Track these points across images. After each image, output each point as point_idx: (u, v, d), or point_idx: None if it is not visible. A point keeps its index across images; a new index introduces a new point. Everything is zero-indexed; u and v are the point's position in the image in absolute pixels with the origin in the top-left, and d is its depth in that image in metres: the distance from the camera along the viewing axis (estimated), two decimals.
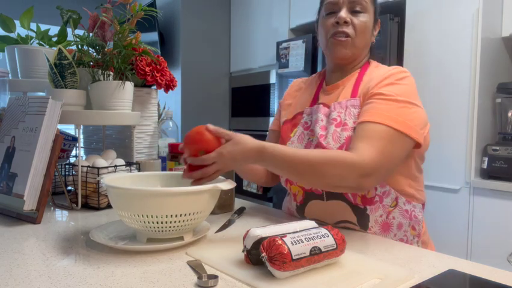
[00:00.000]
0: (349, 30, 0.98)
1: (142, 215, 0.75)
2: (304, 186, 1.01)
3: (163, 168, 1.41)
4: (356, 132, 0.90)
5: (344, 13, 0.98)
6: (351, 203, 0.95)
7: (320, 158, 0.83)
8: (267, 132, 1.25)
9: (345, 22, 0.98)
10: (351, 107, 0.95)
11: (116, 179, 0.88)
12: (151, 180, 0.95)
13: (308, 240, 0.65)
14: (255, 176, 1.14)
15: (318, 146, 0.96)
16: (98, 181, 1.11)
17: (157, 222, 0.76)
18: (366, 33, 1.00)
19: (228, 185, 0.82)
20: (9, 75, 1.38)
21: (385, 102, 0.89)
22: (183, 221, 0.77)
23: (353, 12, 0.99)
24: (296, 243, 0.63)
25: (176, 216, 0.76)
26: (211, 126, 0.84)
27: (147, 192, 0.75)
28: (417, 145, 0.91)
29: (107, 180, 0.83)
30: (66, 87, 1.14)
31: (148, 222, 0.76)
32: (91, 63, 1.23)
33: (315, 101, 1.08)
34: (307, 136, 1.03)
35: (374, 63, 1.06)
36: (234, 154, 0.80)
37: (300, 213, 1.05)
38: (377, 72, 1.00)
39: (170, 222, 0.76)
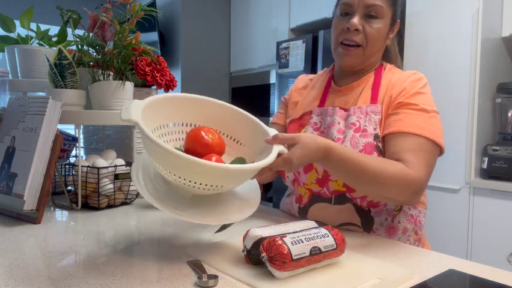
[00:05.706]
0: (359, 38, 0.94)
1: (195, 182, 0.68)
2: (355, 189, 0.92)
3: None
4: (396, 142, 0.89)
5: (356, 19, 0.93)
6: (358, 205, 0.94)
7: (384, 169, 0.82)
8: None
9: (356, 30, 0.93)
10: (372, 113, 0.94)
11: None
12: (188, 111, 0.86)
13: (308, 240, 0.65)
14: None
15: None
16: (98, 181, 1.11)
17: (203, 188, 0.70)
18: (378, 41, 0.97)
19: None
20: (9, 75, 1.38)
21: (417, 112, 0.90)
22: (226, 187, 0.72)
23: (367, 17, 0.94)
24: (296, 243, 0.63)
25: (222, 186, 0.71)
26: (280, 135, 0.77)
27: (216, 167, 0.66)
28: (440, 154, 0.92)
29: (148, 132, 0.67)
30: (66, 87, 1.14)
31: (191, 186, 0.69)
32: (91, 63, 1.23)
33: (323, 101, 1.05)
34: None
35: (388, 66, 1.03)
36: (302, 158, 0.76)
37: (301, 215, 1.03)
38: (395, 77, 0.98)
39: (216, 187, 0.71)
